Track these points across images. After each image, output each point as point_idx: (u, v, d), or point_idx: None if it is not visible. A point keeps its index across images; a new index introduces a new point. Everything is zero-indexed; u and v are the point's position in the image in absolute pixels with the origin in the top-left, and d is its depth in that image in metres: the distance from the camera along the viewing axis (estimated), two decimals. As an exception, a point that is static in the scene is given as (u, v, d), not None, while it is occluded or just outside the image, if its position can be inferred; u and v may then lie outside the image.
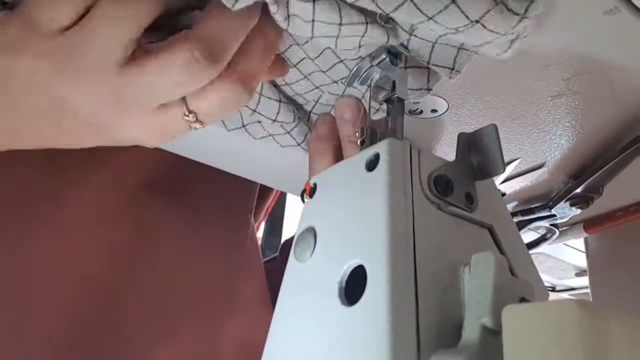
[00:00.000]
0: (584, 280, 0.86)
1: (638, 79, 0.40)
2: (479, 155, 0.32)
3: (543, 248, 0.70)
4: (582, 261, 0.80)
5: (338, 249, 0.29)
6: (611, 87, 0.41)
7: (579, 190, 0.55)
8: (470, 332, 0.22)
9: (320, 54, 0.37)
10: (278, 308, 0.31)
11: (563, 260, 0.84)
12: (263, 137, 0.44)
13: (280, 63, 0.37)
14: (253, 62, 0.31)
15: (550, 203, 0.59)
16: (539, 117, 0.45)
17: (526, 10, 0.29)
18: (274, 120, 0.41)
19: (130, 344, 0.46)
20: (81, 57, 0.28)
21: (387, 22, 0.32)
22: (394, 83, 0.35)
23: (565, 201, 0.57)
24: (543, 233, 0.68)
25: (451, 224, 0.29)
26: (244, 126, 0.43)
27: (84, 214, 0.45)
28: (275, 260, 0.71)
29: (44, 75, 0.28)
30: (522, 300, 0.23)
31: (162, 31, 0.30)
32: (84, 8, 0.27)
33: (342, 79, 0.39)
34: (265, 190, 0.68)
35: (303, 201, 0.35)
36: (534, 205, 0.61)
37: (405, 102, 0.36)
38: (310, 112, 0.44)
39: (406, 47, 0.36)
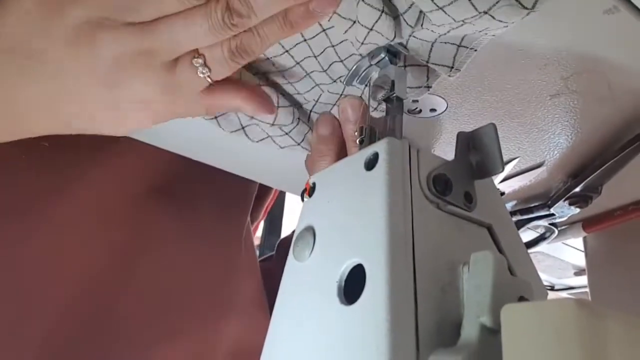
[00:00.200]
0: (583, 279, 0.86)
1: (637, 78, 0.40)
2: (478, 154, 0.32)
3: (542, 247, 0.70)
4: (580, 260, 0.81)
5: (337, 248, 0.29)
6: (610, 86, 0.41)
7: (577, 189, 0.55)
8: (469, 331, 0.22)
9: (323, 51, 0.37)
10: (277, 307, 0.31)
11: (562, 259, 0.84)
12: (262, 140, 0.44)
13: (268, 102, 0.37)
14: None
15: (549, 202, 0.59)
16: (537, 116, 0.45)
17: (534, 5, 0.29)
18: (272, 124, 0.41)
19: (130, 344, 0.46)
20: None
21: (396, 17, 0.32)
22: (392, 82, 0.35)
23: (564, 200, 0.57)
24: (542, 232, 0.68)
25: (450, 223, 0.29)
26: (242, 128, 0.43)
27: (83, 214, 0.45)
28: (271, 259, 0.71)
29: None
30: (521, 299, 0.23)
31: None
32: None
33: (340, 77, 0.39)
34: (264, 190, 0.68)
35: (303, 201, 0.35)
36: (532, 205, 0.61)
37: (404, 101, 0.36)
38: (310, 112, 0.44)
39: (405, 47, 0.36)
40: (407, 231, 0.26)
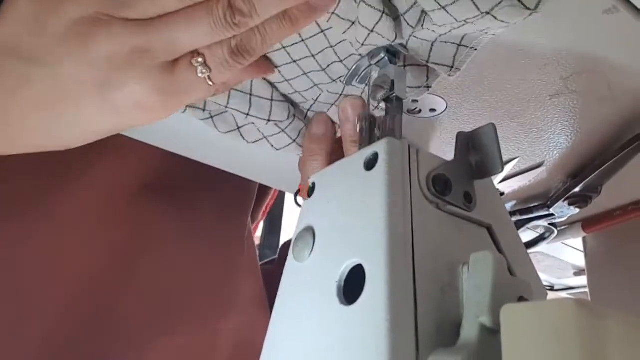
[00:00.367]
0: (583, 280, 0.86)
1: (637, 78, 0.40)
2: (477, 154, 0.32)
3: (541, 247, 0.70)
4: (580, 260, 0.80)
5: (337, 249, 0.29)
6: (610, 86, 0.41)
7: (577, 189, 0.55)
8: (469, 331, 0.22)
9: (321, 51, 0.37)
10: (277, 307, 0.31)
11: (561, 260, 0.84)
12: (257, 141, 0.44)
13: (266, 63, 0.37)
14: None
15: (549, 202, 0.59)
16: (537, 116, 0.45)
17: (536, 6, 0.29)
18: (268, 120, 0.41)
19: (130, 344, 0.46)
20: None
21: (396, 18, 0.32)
22: (392, 82, 0.35)
23: (564, 200, 0.57)
24: (541, 232, 0.68)
25: (450, 224, 0.29)
26: (238, 129, 0.43)
27: (83, 214, 0.45)
28: (273, 262, 0.71)
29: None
30: (521, 299, 0.23)
31: None
32: None
33: (339, 77, 0.39)
34: (264, 190, 0.68)
35: (296, 203, 0.35)
36: (532, 205, 0.61)
37: (404, 101, 0.36)
38: (308, 111, 0.44)
39: (405, 46, 0.36)
40: (407, 231, 0.26)
